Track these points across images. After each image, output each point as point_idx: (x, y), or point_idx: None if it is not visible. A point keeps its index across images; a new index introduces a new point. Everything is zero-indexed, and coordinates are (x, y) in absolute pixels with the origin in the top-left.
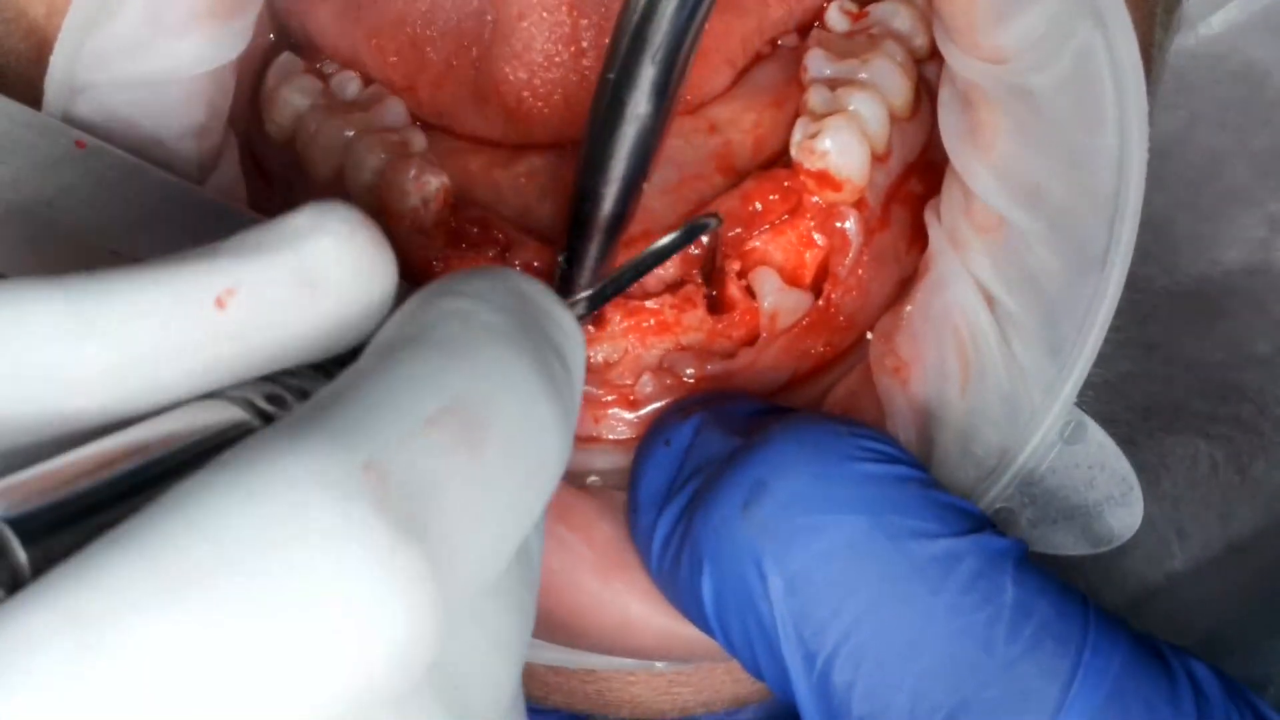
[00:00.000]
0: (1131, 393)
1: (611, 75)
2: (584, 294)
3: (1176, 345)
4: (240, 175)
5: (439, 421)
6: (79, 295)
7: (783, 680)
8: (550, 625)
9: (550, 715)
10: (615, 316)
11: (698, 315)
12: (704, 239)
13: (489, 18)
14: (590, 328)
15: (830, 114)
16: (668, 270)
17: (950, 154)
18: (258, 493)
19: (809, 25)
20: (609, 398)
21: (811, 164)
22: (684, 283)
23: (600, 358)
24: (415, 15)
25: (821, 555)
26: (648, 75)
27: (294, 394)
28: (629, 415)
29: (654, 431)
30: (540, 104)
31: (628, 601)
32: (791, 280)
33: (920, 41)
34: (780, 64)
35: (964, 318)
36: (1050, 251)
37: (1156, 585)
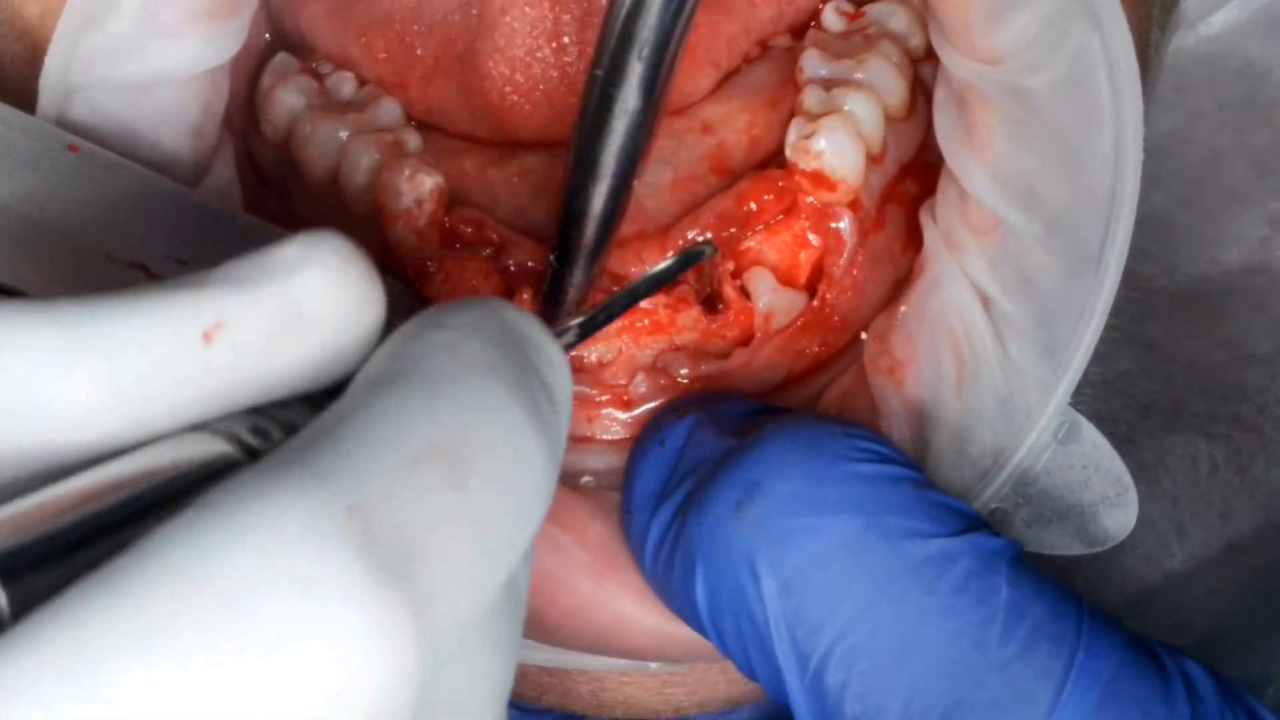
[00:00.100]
0: (1130, 391)
1: (599, 72)
2: (575, 321)
3: (1176, 344)
4: (235, 176)
5: (424, 460)
6: (68, 324)
7: (776, 681)
8: (544, 626)
9: (544, 715)
10: None
11: (692, 315)
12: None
13: (474, 12)
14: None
15: (825, 114)
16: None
17: (945, 154)
18: (242, 537)
19: (802, 26)
20: (603, 398)
21: (806, 164)
22: (679, 283)
23: (594, 357)
24: (403, 11)
25: (815, 556)
26: (635, 72)
27: (280, 426)
28: (623, 415)
29: (648, 432)
30: (523, 100)
31: (621, 602)
32: (786, 280)
33: (916, 42)
34: (775, 64)
35: (959, 318)
36: (1046, 252)
37: (1155, 584)
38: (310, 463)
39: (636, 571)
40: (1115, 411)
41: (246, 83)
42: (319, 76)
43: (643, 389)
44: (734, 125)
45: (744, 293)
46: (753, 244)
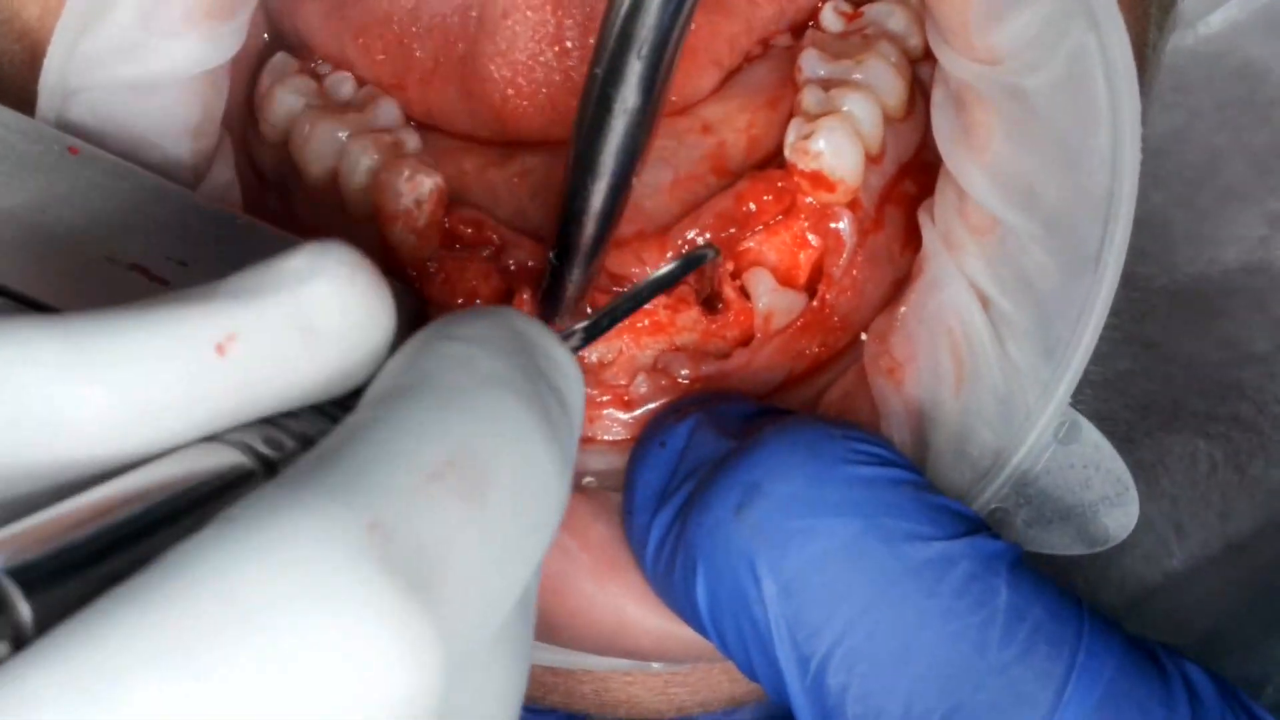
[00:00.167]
0: (1130, 391)
1: (598, 71)
2: (579, 325)
3: (1175, 343)
4: (235, 176)
5: (441, 475)
6: (80, 338)
7: (777, 683)
8: (547, 626)
9: (548, 715)
10: None
11: (692, 316)
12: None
13: (474, 14)
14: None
15: (824, 114)
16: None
17: (944, 155)
18: (263, 554)
19: (802, 26)
20: (604, 398)
21: (805, 165)
22: (679, 283)
23: (595, 358)
24: (401, 13)
25: (815, 558)
26: (634, 70)
27: (293, 436)
28: (624, 416)
29: (649, 433)
30: (525, 102)
31: (623, 603)
32: (786, 281)
33: (915, 42)
34: (774, 64)
35: (958, 319)
36: (1044, 252)
37: (1155, 584)
38: (329, 479)
39: (638, 572)
40: (1115, 411)
41: (245, 83)
42: (318, 77)
43: (643, 389)
44: (733, 125)
45: (744, 293)
46: (752, 244)
